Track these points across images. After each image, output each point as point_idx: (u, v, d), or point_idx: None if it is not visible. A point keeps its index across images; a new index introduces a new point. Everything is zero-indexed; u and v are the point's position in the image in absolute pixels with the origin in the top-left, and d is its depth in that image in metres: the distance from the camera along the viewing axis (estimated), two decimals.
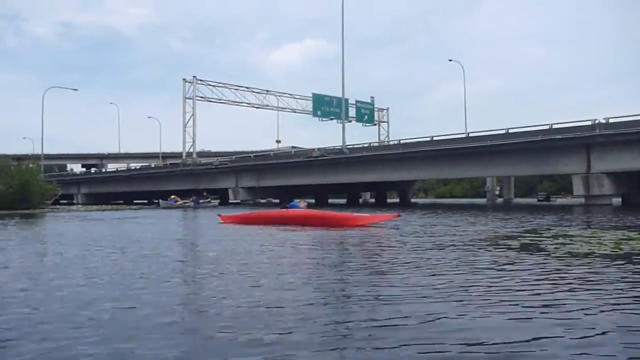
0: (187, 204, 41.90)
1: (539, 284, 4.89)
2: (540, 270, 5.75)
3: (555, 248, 7.93)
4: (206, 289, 4.86)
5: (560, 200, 53.04)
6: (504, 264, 6.24)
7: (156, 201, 46.16)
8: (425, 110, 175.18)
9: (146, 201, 44.83)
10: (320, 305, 4.06)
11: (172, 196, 43.40)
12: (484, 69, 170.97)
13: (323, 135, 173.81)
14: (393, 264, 6.46)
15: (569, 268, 5.88)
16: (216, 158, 56.95)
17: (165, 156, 76.55)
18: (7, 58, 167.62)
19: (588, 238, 9.51)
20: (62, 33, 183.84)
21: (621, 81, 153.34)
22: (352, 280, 5.25)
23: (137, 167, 69.70)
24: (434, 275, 5.49)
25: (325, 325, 3.43)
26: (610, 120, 30.95)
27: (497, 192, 62.43)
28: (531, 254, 7.21)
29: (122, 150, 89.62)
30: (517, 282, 4.99)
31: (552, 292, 4.50)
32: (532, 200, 54.76)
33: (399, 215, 15.28)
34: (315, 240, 10.22)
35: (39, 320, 3.63)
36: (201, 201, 42.74)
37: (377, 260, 6.86)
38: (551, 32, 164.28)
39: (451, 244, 8.86)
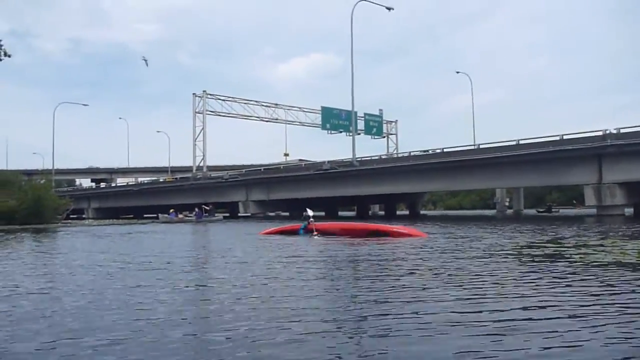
0: (188, 217, 40.57)
1: (579, 295, 5.02)
2: (573, 280, 5.88)
3: (580, 258, 8.05)
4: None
5: (563, 211, 52.63)
6: (536, 275, 6.37)
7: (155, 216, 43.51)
8: (433, 122, 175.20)
9: (156, 215, 44.86)
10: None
11: (172, 210, 42.26)
12: (491, 80, 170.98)
13: (332, 148, 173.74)
14: (437, 276, 6.60)
15: (599, 277, 6.01)
16: (226, 172, 57.20)
17: (174, 170, 76.97)
18: (17, 74, 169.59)
19: (610, 248, 9.62)
20: (71, 49, 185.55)
21: (631, 90, 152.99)
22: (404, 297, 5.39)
23: (147, 182, 70.11)
24: (476, 287, 5.63)
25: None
26: (622, 131, 31.00)
27: (506, 203, 62.35)
28: (557, 264, 7.33)
29: (131, 165, 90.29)
30: (560, 294, 5.12)
31: (598, 304, 4.63)
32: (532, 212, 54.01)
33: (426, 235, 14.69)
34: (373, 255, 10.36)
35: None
36: (205, 215, 41.12)
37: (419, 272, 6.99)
38: (557, 42, 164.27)
39: (479, 255, 8.98)
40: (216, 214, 43.35)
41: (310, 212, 17.08)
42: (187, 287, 5.89)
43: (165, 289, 5.64)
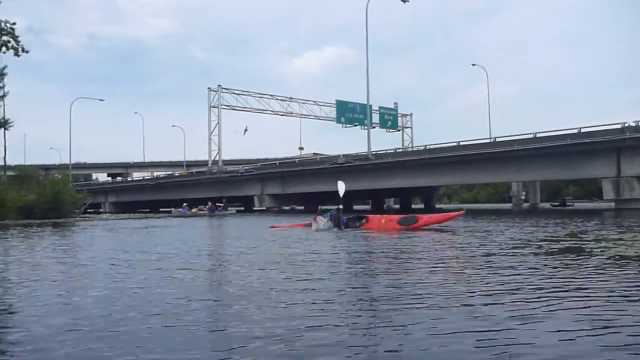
0: (201, 212, 40.25)
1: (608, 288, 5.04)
2: (598, 274, 5.90)
3: (601, 251, 8.05)
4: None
5: (579, 205, 52.29)
6: (559, 269, 6.39)
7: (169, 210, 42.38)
8: (449, 115, 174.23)
9: (172, 209, 45.09)
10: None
11: (185, 204, 42.15)
12: (506, 73, 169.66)
13: (346, 142, 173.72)
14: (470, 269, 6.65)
15: (625, 271, 6.02)
16: (241, 166, 57.46)
17: (190, 164, 77.38)
18: (34, 70, 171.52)
19: (631, 242, 9.58)
20: (87, 44, 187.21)
21: None
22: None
23: (163, 176, 70.63)
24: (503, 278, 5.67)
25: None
26: None
27: (523, 197, 61.96)
28: (579, 258, 7.34)
29: (147, 159, 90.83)
30: (586, 287, 5.15)
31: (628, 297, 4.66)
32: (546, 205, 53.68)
33: (463, 212, 16.17)
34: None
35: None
36: (218, 209, 40.59)
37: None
38: (574, 36, 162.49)
39: (503, 248, 9.01)
40: (229, 209, 43.04)
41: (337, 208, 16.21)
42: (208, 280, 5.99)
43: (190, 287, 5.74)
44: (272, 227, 17.55)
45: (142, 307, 4.37)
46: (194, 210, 40.91)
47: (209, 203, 41.44)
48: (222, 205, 42.50)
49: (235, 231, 17.95)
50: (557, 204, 51.21)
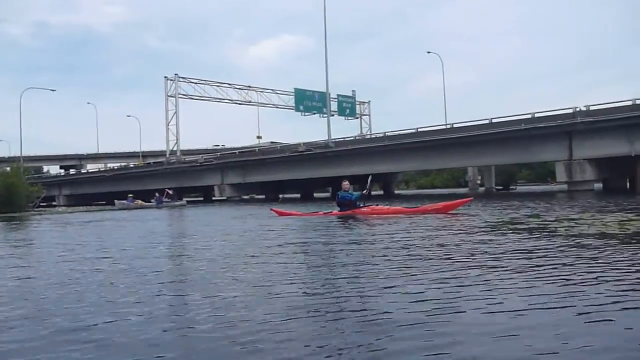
0: (148, 203, 38.68)
1: (575, 266, 5.30)
2: (567, 252, 6.17)
3: (566, 230, 8.40)
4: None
5: (529, 188, 55.36)
6: (528, 250, 6.66)
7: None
8: (406, 102, 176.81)
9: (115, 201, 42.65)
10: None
11: (130, 195, 40.51)
12: (463, 60, 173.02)
13: (305, 130, 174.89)
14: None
15: (592, 248, 6.32)
16: (201, 155, 56.88)
17: (146, 155, 76.07)
18: None
19: (591, 221, 10.01)
20: (37, 33, 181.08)
21: (600, 68, 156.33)
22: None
23: (118, 167, 69.22)
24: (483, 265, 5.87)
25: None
26: (591, 108, 31.86)
27: (478, 181, 63.37)
28: (544, 237, 7.65)
29: (101, 150, 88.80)
30: (554, 266, 5.39)
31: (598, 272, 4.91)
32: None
33: (471, 200, 16.46)
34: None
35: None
36: (165, 200, 39.15)
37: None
38: (527, 22, 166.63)
39: (464, 231, 9.28)
40: (179, 200, 41.46)
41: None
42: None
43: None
44: (272, 210, 17.32)
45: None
46: (138, 201, 39.43)
47: (157, 194, 40.00)
48: (170, 195, 41.10)
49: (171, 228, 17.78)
50: (500, 187, 54.57)
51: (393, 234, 9.13)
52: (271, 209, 17.47)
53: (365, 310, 3.51)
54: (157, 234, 11.95)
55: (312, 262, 6.14)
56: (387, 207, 15.10)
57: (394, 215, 13.75)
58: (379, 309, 3.51)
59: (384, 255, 6.30)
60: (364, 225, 11.35)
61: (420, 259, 5.91)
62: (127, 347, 2.94)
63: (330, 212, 15.09)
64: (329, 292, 4.16)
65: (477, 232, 8.84)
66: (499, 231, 8.86)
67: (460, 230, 9.35)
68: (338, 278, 4.82)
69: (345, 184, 15.40)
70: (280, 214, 16.39)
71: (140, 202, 39.32)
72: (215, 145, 78.43)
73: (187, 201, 44.21)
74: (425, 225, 10.47)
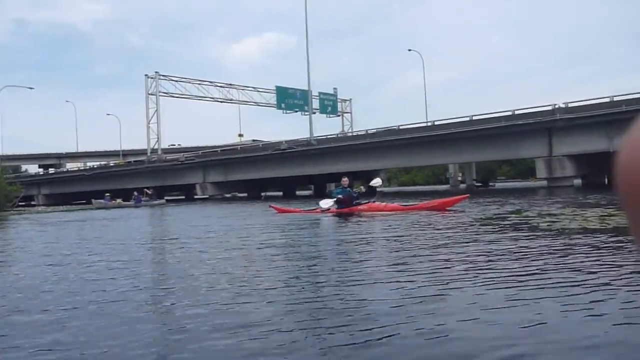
0: (126, 203, 37.88)
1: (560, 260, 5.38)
2: (555, 247, 6.27)
3: (548, 226, 8.51)
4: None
5: (507, 185, 56.42)
6: (514, 246, 6.74)
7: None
8: (388, 100, 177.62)
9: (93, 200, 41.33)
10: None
11: (107, 194, 39.51)
12: (443, 58, 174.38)
13: (287, 128, 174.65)
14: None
15: (574, 243, 6.42)
16: (182, 154, 56.42)
17: (126, 154, 75.34)
18: None
19: (572, 216, 10.15)
20: (16, 31, 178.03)
21: (580, 65, 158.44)
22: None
23: (98, 166, 68.44)
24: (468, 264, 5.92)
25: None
26: (570, 105, 32.25)
27: (459, 178, 63.92)
28: (526, 233, 7.75)
29: (81, 149, 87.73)
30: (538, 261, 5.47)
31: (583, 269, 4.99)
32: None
33: (467, 196, 15.96)
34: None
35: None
36: (143, 199, 38.54)
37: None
38: (507, 19, 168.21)
39: (449, 227, 9.35)
40: (158, 199, 40.85)
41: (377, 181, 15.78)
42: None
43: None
44: (270, 206, 17.44)
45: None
46: (117, 200, 38.80)
47: (135, 193, 39.33)
48: (149, 194, 40.52)
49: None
50: (480, 184, 55.40)
51: (390, 230, 9.21)
52: (270, 205, 17.73)
53: (359, 308, 3.54)
54: (147, 234, 11.88)
55: (309, 261, 6.15)
56: (384, 204, 15.15)
57: (392, 212, 13.80)
58: (376, 311, 3.53)
59: (383, 255, 6.34)
60: (363, 222, 11.38)
61: (418, 256, 5.96)
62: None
63: (329, 209, 15.04)
64: (326, 295, 4.17)
65: (472, 228, 8.93)
66: (489, 227, 8.96)
67: (458, 226, 9.42)
68: (342, 280, 4.84)
69: (345, 180, 15.42)
70: (280, 210, 16.56)
71: (118, 201, 38.74)
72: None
73: (169, 200, 43.90)
74: (422, 223, 10.50)
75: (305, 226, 11.11)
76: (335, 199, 15.03)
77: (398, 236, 8.11)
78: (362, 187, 15.06)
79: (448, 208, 14.23)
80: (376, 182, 16.31)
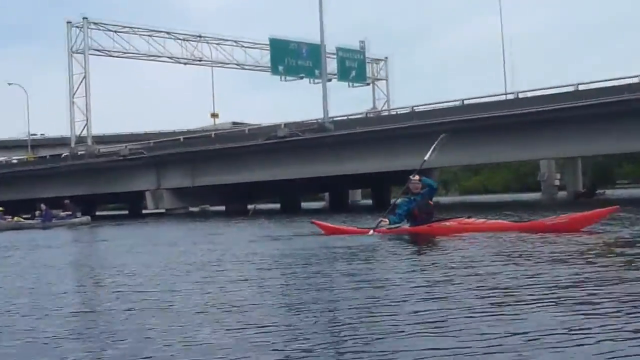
0: (28, 221, 37.56)
1: None
2: None
3: None
4: None
5: (617, 193, 54.47)
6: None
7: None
8: (442, 60, 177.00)
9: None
10: None
11: (0, 208, 38.96)
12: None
13: (288, 103, 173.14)
14: None
15: None
16: (125, 145, 56.61)
17: (38, 145, 76.13)
18: None
19: None
20: None
21: None
22: None
23: None
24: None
25: None
26: None
27: (556, 182, 63.51)
28: None
29: None
30: None
31: None
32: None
33: (617, 208, 14.86)
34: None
35: None
36: (58, 215, 38.17)
37: None
38: None
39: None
40: (79, 214, 40.13)
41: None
42: None
43: None
44: (313, 222, 17.70)
45: None
46: (14, 219, 37.68)
47: (42, 206, 38.21)
48: (68, 208, 39.71)
49: None
50: (583, 191, 54.22)
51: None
52: (312, 221, 17.87)
53: None
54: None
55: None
56: (483, 220, 15.08)
57: (498, 231, 13.63)
58: None
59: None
60: (460, 251, 11.03)
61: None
62: None
63: (398, 226, 15.01)
64: None
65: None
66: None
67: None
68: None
69: (416, 181, 15.13)
70: (327, 230, 16.67)
71: (16, 218, 38.29)
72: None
73: (103, 217, 43.82)
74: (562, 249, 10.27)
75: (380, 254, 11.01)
76: (398, 217, 14.99)
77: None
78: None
79: (586, 227, 13.79)
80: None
